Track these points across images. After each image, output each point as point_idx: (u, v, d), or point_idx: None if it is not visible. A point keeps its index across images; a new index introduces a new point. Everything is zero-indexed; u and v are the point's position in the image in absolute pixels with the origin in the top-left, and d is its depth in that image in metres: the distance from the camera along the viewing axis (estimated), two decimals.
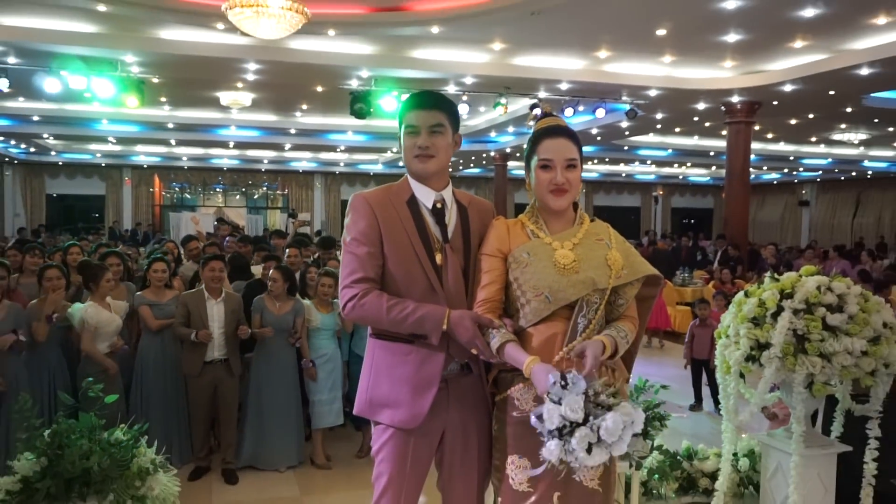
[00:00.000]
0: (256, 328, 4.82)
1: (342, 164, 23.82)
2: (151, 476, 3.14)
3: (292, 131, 16.59)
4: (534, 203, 2.36)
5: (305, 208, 24.22)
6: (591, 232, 2.31)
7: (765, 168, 23.25)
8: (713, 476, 4.11)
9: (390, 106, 10.18)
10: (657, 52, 9.46)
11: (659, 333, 10.06)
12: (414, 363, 2.22)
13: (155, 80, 10.57)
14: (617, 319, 2.29)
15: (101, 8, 7.50)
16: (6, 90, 9.29)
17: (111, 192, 23.50)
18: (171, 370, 4.87)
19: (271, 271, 5.04)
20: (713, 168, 23.70)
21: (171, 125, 15.50)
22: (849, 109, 12.27)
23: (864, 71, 9.18)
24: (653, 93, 11.04)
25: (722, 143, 13.96)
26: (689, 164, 23.14)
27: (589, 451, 1.85)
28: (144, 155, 21.47)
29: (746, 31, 8.29)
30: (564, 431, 1.87)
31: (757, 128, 13.25)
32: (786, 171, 24.32)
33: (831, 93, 10.68)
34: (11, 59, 9.11)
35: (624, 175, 26.93)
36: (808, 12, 7.53)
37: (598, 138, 16.12)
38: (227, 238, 8.36)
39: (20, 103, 13.49)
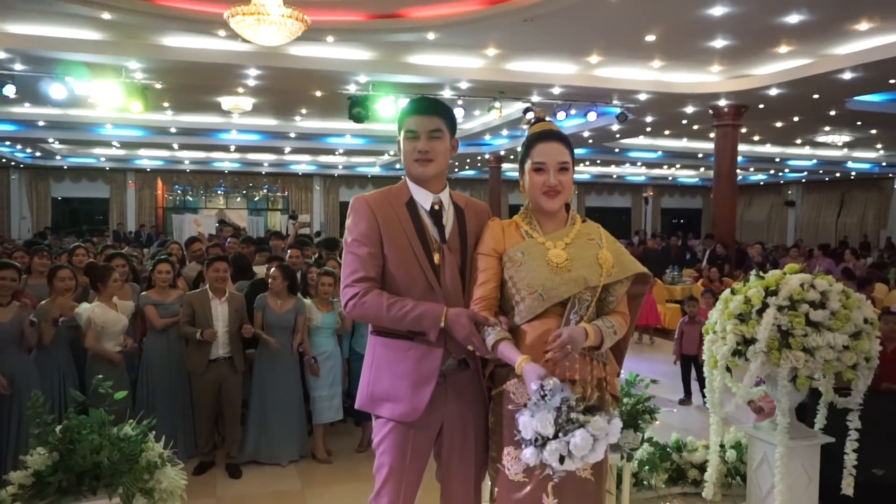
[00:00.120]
0: (259, 326, 4.88)
1: (341, 166, 23.83)
2: (159, 469, 3.15)
3: (292, 135, 16.67)
4: (527, 204, 2.41)
5: (305, 210, 24.21)
6: (583, 232, 2.37)
7: (752, 169, 23.36)
8: (702, 467, 4.16)
9: (387, 110, 10.21)
10: (647, 58, 9.54)
11: (649, 330, 10.13)
12: (413, 359, 2.27)
13: (158, 86, 10.63)
14: (608, 315, 2.34)
15: (106, 16, 7.57)
16: (13, 96, 9.32)
17: (115, 195, 23.59)
18: (176, 368, 4.91)
19: (272, 269, 5.08)
20: (702, 169, 23.76)
21: (173, 129, 15.51)
22: (832, 112, 12.36)
23: (847, 75, 9.28)
24: (642, 97, 11.11)
25: (710, 146, 14.02)
26: (678, 166, 23.23)
27: (562, 461, 1.92)
28: (147, 158, 21.52)
29: (733, 36, 8.37)
30: (537, 443, 1.95)
31: (744, 130, 13.31)
32: (772, 172, 24.44)
33: (815, 96, 10.78)
34: (18, 66, 9.16)
35: (615, 176, 27.01)
36: (793, 19, 7.63)
37: (590, 141, 16.19)
38: (229, 239, 8.39)
39: (26, 109, 13.53)
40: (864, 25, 7.86)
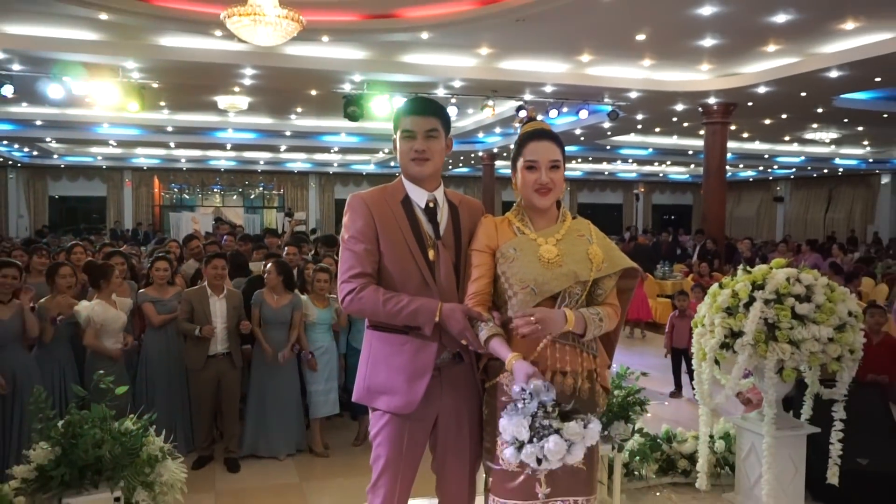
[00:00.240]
0: (256, 322, 4.91)
1: (336, 164, 23.89)
2: (160, 463, 3.18)
3: (287, 133, 16.70)
4: (520, 201, 2.44)
5: (300, 207, 24.23)
6: (573, 228, 2.39)
7: (741, 166, 23.50)
8: (691, 458, 4.23)
9: (382, 109, 10.28)
10: (637, 57, 9.62)
11: (641, 324, 10.17)
12: (409, 353, 2.30)
13: (155, 86, 10.66)
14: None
15: (103, 16, 7.61)
16: (10, 96, 9.34)
17: (112, 194, 23.60)
18: (175, 364, 4.95)
19: (268, 265, 5.11)
20: (692, 166, 23.89)
21: (170, 128, 15.54)
22: (820, 110, 12.48)
23: (834, 73, 9.38)
24: (633, 95, 11.20)
25: (700, 143, 14.08)
26: (668, 163, 23.38)
27: (539, 462, 1.98)
28: (144, 157, 21.53)
29: (722, 36, 8.46)
30: (515, 445, 2.01)
31: (733, 128, 13.42)
32: (761, 168, 24.58)
33: (803, 94, 10.89)
34: (16, 66, 9.21)
35: (606, 173, 27.12)
36: (780, 18, 7.72)
37: (582, 138, 16.29)
38: (225, 237, 8.43)
39: (24, 108, 13.56)
40: (849, 25, 7.95)
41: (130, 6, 7.32)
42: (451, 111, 10.56)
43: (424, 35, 8.40)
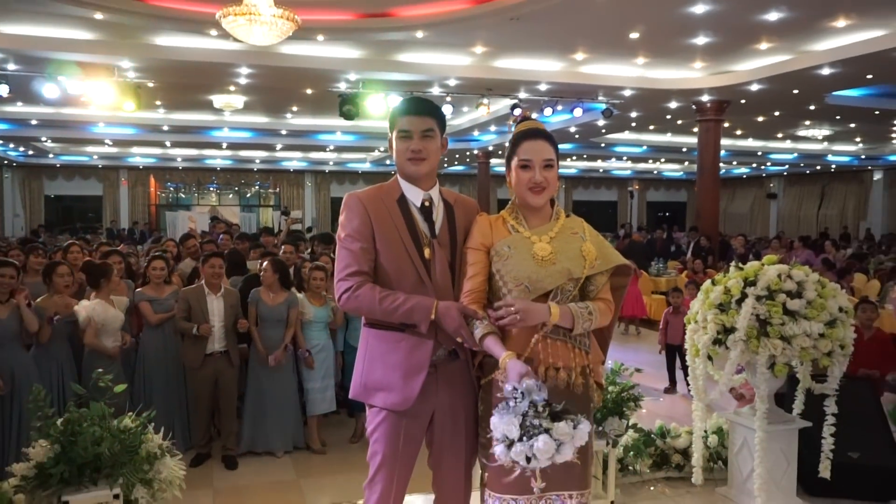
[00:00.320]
0: (252, 320, 4.92)
1: (331, 163, 23.88)
2: (159, 460, 3.20)
3: (283, 132, 16.70)
4: (514, 200, 2.44)
5: (296, 206, 24.26)
6: (567, 226, 2.41)
7: (734, 163, 23.56)
8: (685, 452, 4.26)
9: (377, 107, 10.29)
10: (631, 55, 9.65)
11: (635, 321, 10.22)
12: (405, 350, 2.31)
13: (150, 85, 10.67)
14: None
15: (98, 16, 7.60)
16: (6, 95, 9.31)
17: (108, 193, 23.59)
18: (172, 362, 4.97)
19: (264, 263, 5.12)
20: (686, 163, 24.01)
21: (166, 127, 15.53)
22: (812, 107, 12.53)
23: (826, 71, 9.42)
24: (627, 93, 11.23)
25: (693, 140, 14.10)
26: (662, 160, 23.48)
27: (529, 461, 1.99)
28: (140, 156, 21.51)
29: (715, 34, 8.49)
30: (505, 443, 2.03)
31: (726, 125, 13.46)
32: (754, 165, 24.69)
33: (795, 92, 10.93)
34: (11, 66, 9.19)
35: (601, 171, 27.23)
36: (773, 16, 7.76)
37: (576, 136, 16.34)
38: (221, 235, 8.44)
39: (19, 108, 13.52)
40: (841, 22, 7.99)
41: (126, 5, 7.32)
42: (447, 109, 10.62)
43: (419, 34, 8.41)
